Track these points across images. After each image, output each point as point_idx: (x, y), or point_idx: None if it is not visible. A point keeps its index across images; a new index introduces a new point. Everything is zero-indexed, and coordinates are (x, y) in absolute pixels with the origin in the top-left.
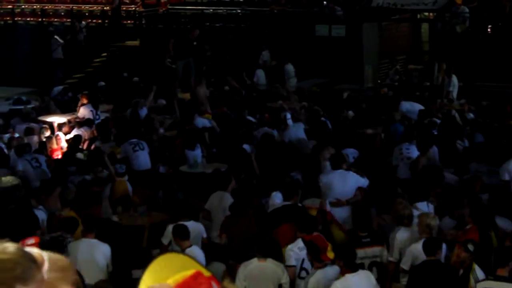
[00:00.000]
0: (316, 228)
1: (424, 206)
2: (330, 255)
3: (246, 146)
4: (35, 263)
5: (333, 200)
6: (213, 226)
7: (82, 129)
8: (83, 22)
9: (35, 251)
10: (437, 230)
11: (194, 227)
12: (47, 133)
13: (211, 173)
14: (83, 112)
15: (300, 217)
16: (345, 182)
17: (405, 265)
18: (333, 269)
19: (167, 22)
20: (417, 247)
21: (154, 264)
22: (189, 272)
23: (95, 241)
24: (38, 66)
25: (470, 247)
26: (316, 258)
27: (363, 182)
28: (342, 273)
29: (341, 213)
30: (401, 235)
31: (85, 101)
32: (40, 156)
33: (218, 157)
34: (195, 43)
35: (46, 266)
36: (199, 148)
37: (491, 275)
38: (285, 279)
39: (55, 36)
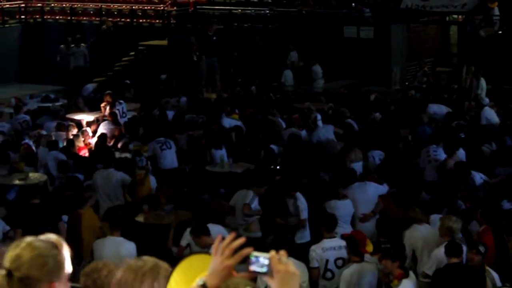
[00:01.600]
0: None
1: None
2: (369, 248)
3: (273, 147)
4: (57, 248)
5: (360, 216)
6: (237, 224)
7: (108, 127)
8: (83, 45)
9: (52, 236)
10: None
11: (216, 230)
12: (74, 131)
13: (242, 172)
14: (110, 110)
15: (325, 218)
16: (365, 194)
17: (429, 270)
18: (369, 266)
19: (194, 22)
20: (441, 251)
21: (185, 262)
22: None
23: (120, 239)
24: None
25: (482, 248)
26: (355, 251)
27: (382, 189)
28: (397, 277)
29: (370, 227)
30: (410, 232)
31: (109, 99)
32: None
33: (243, 157)
34: (214, 38)
35: (64, 247)
36: (224, 147)
37: (507, 280)
38: (303, 278)
39: (72, 45)
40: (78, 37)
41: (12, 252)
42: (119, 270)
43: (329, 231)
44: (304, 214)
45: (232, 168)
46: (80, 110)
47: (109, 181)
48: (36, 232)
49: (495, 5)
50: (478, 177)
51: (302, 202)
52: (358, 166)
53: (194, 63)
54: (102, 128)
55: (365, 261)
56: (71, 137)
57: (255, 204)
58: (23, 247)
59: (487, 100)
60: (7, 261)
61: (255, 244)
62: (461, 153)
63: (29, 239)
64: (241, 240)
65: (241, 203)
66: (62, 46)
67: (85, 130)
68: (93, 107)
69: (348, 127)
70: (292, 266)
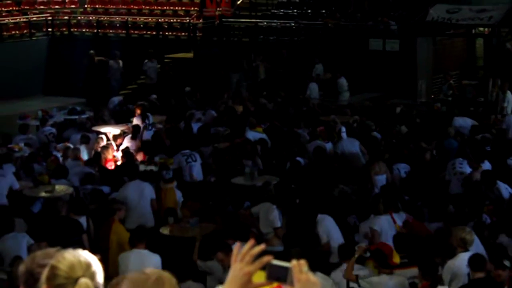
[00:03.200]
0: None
1: None
2: (396, 259)
3: (299, 159)
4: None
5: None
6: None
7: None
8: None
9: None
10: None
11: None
12: (103, 143)
13: (262, 185)
14: (135, 122)
15: (340, 247)
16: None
17: (444, 282)
18: (399, 278)
19: (220, 35)
20: (455, 263)
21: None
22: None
23: (145, 251)
24: (93, 77)
25: (507, 262)
26: (383, 264)
27: (400, 217)
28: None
29: None
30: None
31: (139, 111)
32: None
33: (269, 170)
34: (254, 64)
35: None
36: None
37: None
38: None
39: (120, 61)
40: (151, 52)
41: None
42: (122, 286)
43: (343, 259)
44: (324, 239)
45: (256, 181)
46: (106, 123)
47: (141, 193)
48: (62, 244)
49: None
50: (504, 188)
51: (323, 225)
52: (382, 179)
53: (224, 75)
54: (127, 141)
55: (396, 274)
56: (99, 149)
57: (280, 222)
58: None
59: None
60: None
61: (275, 258)
62: (486, 166)
63: (65, 254)
64: (261, 247)
65: (265, 215)
66: (111, 61)
67: (110, 144)
68: (119, 120)
69: (373, 140)
70: (313, 276)
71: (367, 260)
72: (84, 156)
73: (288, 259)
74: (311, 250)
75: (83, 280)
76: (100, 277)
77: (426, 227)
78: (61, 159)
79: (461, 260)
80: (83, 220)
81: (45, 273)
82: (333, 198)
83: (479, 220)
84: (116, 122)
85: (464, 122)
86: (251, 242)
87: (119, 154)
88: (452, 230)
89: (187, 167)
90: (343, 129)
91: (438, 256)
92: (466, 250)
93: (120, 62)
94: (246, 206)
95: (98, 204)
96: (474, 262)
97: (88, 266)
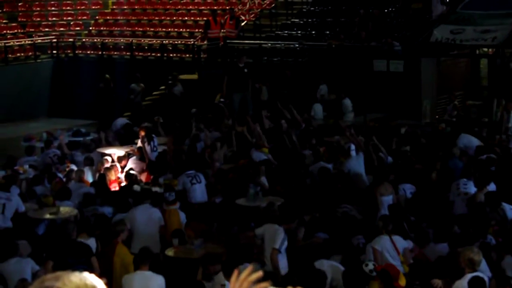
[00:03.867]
0: None
1: None
2: (402, 282)
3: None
4: None
5: None
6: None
7: (138, 161)
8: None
9: (89, 277)
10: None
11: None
12: (107, 165)
13: (266, 206)
14: (140, 144)
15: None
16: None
17: None
18: None
19: (225, 56)
20: (463, 283)
21: None
22: None
23: (149, 273)
24: (98, 99)
25: None
26: (388, 285)
27: (406, 244)
28: None
29: None
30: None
31: (143, 133)
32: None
33: (273, 191)
34: (246, 70)
35: None
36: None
37: None
38: None
39: (141, 84)
40: (175, 74)
41: None
42: None
43: None
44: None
45: (260, 202)
46: (110, 145)
47: (148, 217)
48: (69, 263)
49: None
50: (509, 209)
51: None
52: (388, 200)
53: (225, 97)
54: (131, 163)
55: None
56: (102, 171)
57: (284, 247)
58: None
59: None
60: None
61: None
62: (491, 187)
63: (69, 275)
64: (259, 274)
65: (270, 238)
66: (133, 84)
67: (114, 165)
68: (123, 142)
69: (379, 160)
70: None
71: (372, 280)
72: (89, 178)
73: (287, 284)
74: (311, 274)
75: None
76: None
77: (428, 258)
78: (64, 180)
79: None
80: (92, 241)
81: None
82: (336, 219)
83: (484, 241)
84: (121, 143)
85: (469, 141)
86: (249, 267)
87: (123, 176)
88: (460, 251)
89: (192, 188)
90: (352, 147)
91: (446, 278)
92: (474, 270)
93: (142, 84)
94: (251, 227)
95: (102, 229)
96: (476, 284)
97: None
